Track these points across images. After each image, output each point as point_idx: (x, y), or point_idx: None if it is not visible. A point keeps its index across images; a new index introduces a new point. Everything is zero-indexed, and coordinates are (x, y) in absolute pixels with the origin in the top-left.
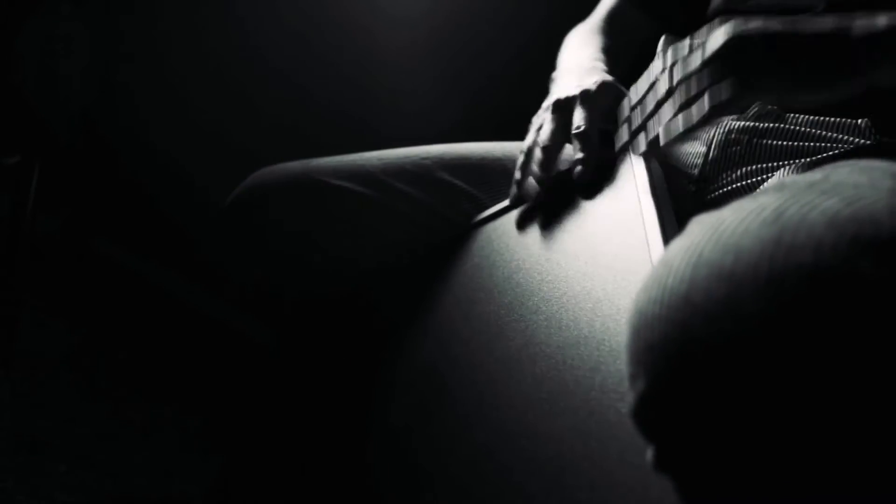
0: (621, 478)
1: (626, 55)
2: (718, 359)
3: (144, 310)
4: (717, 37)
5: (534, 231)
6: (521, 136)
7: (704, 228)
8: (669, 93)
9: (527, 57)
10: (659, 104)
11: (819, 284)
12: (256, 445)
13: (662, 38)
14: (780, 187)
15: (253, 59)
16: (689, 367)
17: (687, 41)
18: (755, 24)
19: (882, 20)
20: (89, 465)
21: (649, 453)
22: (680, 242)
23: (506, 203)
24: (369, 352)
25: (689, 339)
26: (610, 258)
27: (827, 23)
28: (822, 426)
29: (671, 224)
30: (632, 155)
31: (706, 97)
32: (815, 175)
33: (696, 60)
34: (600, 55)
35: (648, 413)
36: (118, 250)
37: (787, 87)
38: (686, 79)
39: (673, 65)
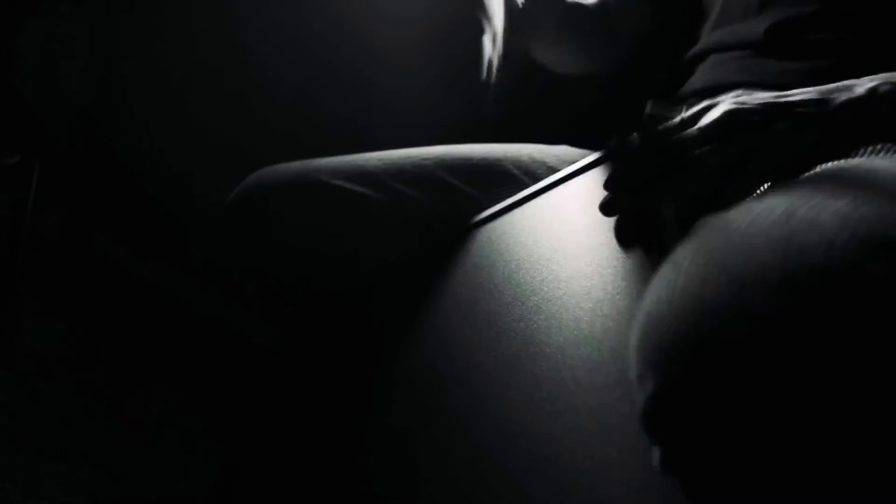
0: (622, 478)
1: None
2: (730, 359)
3: (144, 310)
4: (714, 112)
5: (534, 231)
6: (520, 138)
7: (713, 229)
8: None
9: (527, 57)
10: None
11: (831, 285)
12: (257, 445)
13: (649, 103)
14: (787, 189)
15: (252, 59)
16: (699, 367)
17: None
18: (747, 98)
19: (860, 89)
20: (89, 465)
21: (656, 455)
22: (689, 244)
23: (506, 203)
24: (369, 352)
25: (699, 338)
26: (610, 258)
27: (811, 92)
28: (833, 426)
29: (671, 223)
30: None
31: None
32: (822, 178)
33: (691, 131)
34: None
35: (657, 414)
36: (118, 250)
37: (778, 150)
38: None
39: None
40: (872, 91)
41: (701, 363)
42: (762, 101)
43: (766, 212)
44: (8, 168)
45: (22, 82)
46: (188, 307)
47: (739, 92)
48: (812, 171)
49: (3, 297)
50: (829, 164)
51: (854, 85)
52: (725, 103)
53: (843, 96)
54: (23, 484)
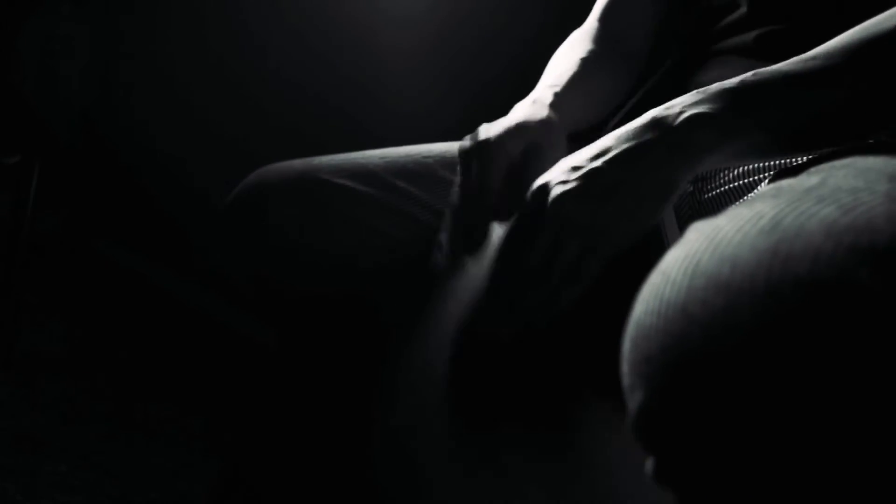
0: (623, 479)
1: (627, 49)
2: (716, 370)
3: (144, 310)
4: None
5: None
6: None
7: (701, 237)
8: None
9: (527, 56)
10: None
11: (817, 295)
12: (257, 446)
13: None
14: (777, 193)
15: (253, 58)
16: (686, 379)
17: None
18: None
19: (672, 120)
20: (89, 465)
21: (649, 464)
22: (677, 251)
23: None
24: (370, 352)
25: (686, 350)
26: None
27: (624, 139)
28: (821, 436)
29: (671, 224)
30: None
31: None
32: (812, 179)
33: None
34: (563, 78)
35: (647, 424)
36: (118, 250)
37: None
38: None
39: None
40: (687, 123)
41: (687, 374)
42: (579, 177)
43: (754, 219)
44: (8, 168)
45: (22, 82)
46: (188, 307)
47: (565, 169)
48: (804, 172)
49: (3, 297)
50: (823, 163)
51: (664, 119)
52: (550, 197)
53: (655, 137)
54: (23, 484)
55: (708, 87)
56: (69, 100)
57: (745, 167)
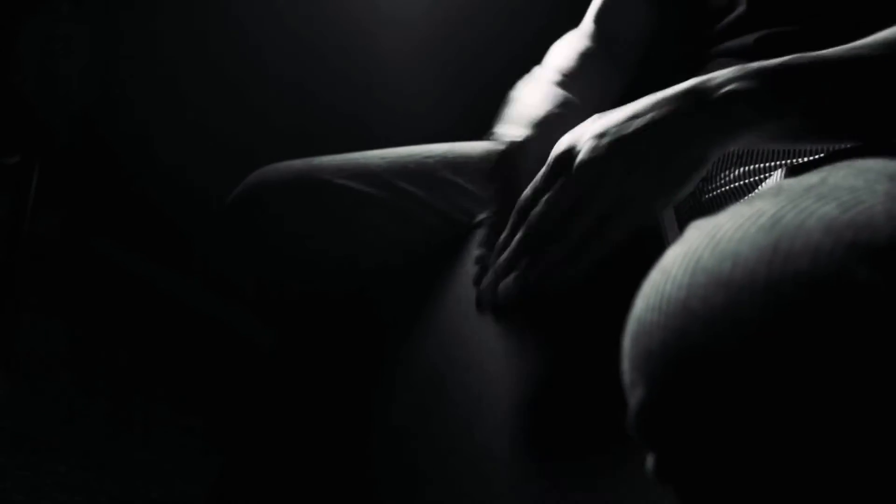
0: (623, 477)
1: (620, 49)
2: (717, 365)
3: (144, 310)
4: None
5: None
6: None
7: (702, 234)
8: None
9: (527, 56)
10: None
11: (816, 291)
12: (257, 445)
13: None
14: (778, 191)
15: (253, 58)
16: (687, 374)
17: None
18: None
19: (713, 92)
20: (89, 465)
21: (649, 461)
22: (677, 249)
23: None
24: (369, 352)
25: (687, 346)
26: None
27: (658, 106)
28: (821, 432)
29: (671, 223)
30: None
31: None
32: (812, 178)
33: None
34: (569, 62)
35: (648, 421)
36: (118, 250)
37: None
38: None
39: None
40: (726, 97)
41: (688, 369)
42: (608, 143)
43: (754, 216)
44: (8, 168)
45: (22, 82)
46: (188, 307)
47: (593, 132)
48: (806, 172)
49: (2, 297)
50: (825, 164)
51: (704, 90)
52: (576, 161)
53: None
54: (23, 484)
55: (748, 64)
56: (69, 100)
57: (746, 167)
